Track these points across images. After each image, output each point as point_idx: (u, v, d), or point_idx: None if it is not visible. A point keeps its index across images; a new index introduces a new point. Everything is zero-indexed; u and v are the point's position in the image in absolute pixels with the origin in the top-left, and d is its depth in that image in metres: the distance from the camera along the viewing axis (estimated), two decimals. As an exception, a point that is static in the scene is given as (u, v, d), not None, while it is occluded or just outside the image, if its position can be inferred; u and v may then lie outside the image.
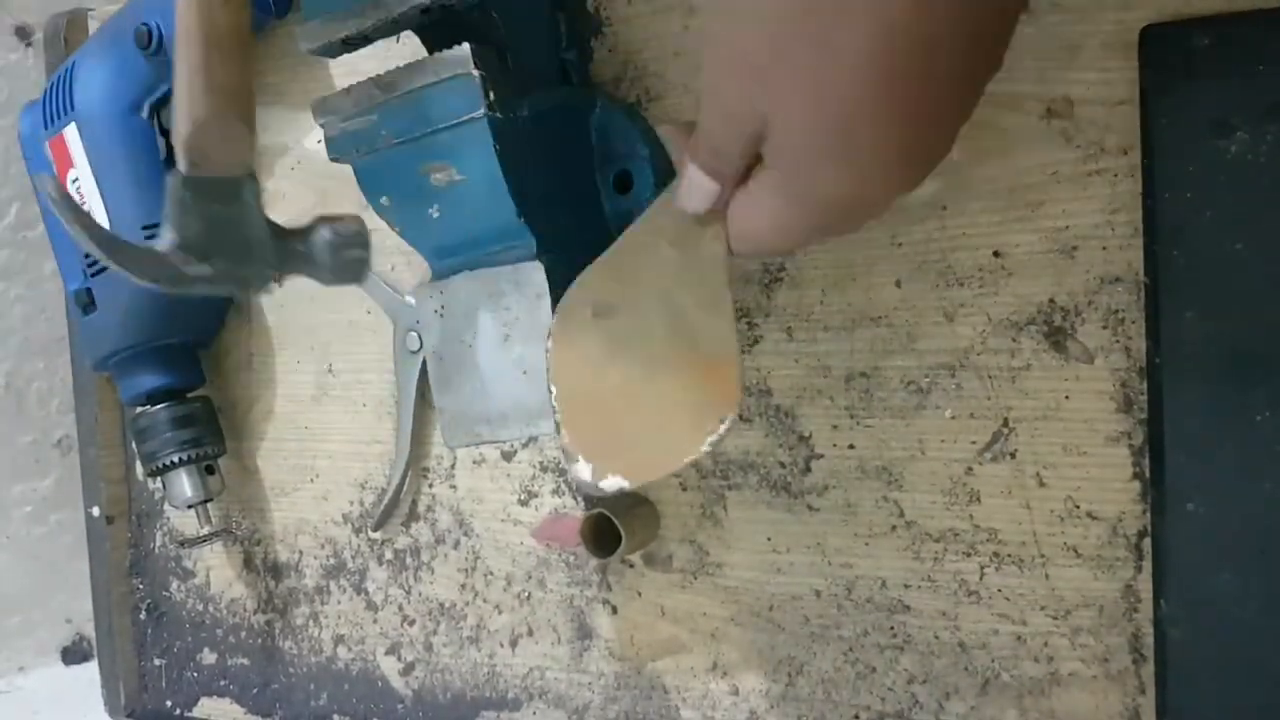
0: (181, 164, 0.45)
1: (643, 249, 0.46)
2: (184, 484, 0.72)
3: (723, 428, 0.43)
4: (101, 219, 0.69)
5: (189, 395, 0.73)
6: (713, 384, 0.44)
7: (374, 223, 0.54)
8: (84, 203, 0.69)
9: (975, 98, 0.36)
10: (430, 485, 0.68)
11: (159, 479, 0.74)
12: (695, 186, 0.41)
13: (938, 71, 0.33)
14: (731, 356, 0.44)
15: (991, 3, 0.33)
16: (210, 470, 0.73)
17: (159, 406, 0.72)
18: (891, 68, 0.32)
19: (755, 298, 0.56)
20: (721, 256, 0.44)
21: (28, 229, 0.89)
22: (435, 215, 0.51)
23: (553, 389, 0.47)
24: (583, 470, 0.45)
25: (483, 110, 0.46)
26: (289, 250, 0.49)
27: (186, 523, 0.79)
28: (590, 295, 0.47)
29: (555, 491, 0.63)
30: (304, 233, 0.49)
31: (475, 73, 0.46)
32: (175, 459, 0.71)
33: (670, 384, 0.45)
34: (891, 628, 0.54)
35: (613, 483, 0.45)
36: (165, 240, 0.45)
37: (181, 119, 0.44)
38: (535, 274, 0.49)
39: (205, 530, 0.74)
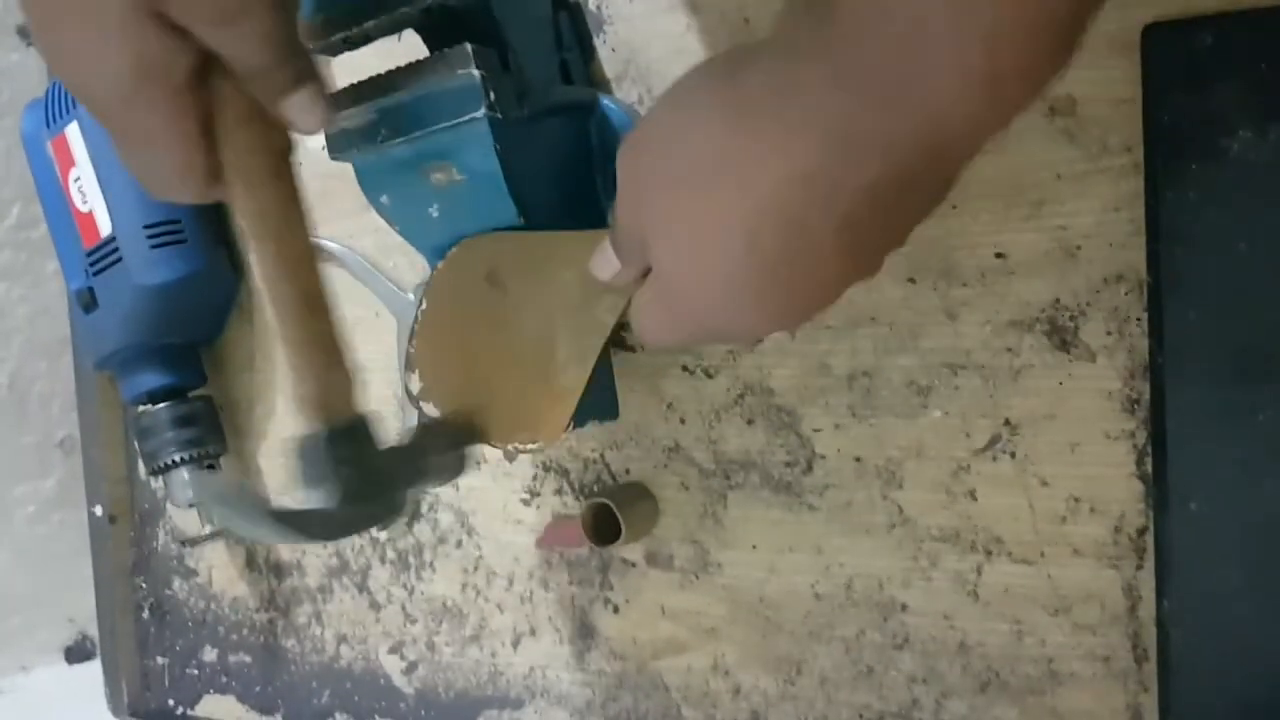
0: (318, 423, 0.44)
1: (558, 263, 0.48)
2: (184, 483, 0.72)
3: (530, 446, 0.49)
4: (104, 218, 0.69)
5: (191, 395, 0.73)
6: (546, 408, 0.49)
7: (376, 222, 0.54)
8: (86, 201, 0.69)
9: (868, 267, 0.37)
10: (406, 392, 0.68)
11: (161, 478, 0.74)
12: (603, 257, 0.43)
13: (809, 248, 0.34)
14: (571, 403, 0.48)
15: (881, 204, 0.33)
16: (212, 469, 0.73)
17: (160, 406, 0.72)
18: (759, 237, 0.33)
19: (756, 297, 0.56)
20: (608, 325, 0.47)
21: (30, 229, 0.89)
22: (435, 214, 0.51)
23: (424, 303, 0.50)
24: (413, 382, 0.50)
25: (483, 110, 0.46)
26: (415, 471, 0.48)
27: (188, 522, 0.79)
28: (495, 259, 0.49)
29: (557, 491, 0.63)
30: (422, 451, 0.49)
31: (476, 73, 0.46)
32: (177, 458, 0.71)
33: (513, 380, 0.49)
34: (891, 627, 0.54)
35: (428, 408, 0.50)
36: (327, 498, 0.44)
37: (307, 383, 0.44)
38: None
39: (206, 529, 0.74)
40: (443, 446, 0.49)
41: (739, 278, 0.35)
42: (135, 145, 0.40)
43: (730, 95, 0.33)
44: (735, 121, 0.33)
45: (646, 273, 0.41)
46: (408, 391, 0.51)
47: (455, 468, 0.50)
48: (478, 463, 0.66)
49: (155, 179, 0.41)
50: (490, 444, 0.50)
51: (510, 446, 0.50)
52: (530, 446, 0.50)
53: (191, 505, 0.73)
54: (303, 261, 0.44)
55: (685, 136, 0.35)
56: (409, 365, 0.50)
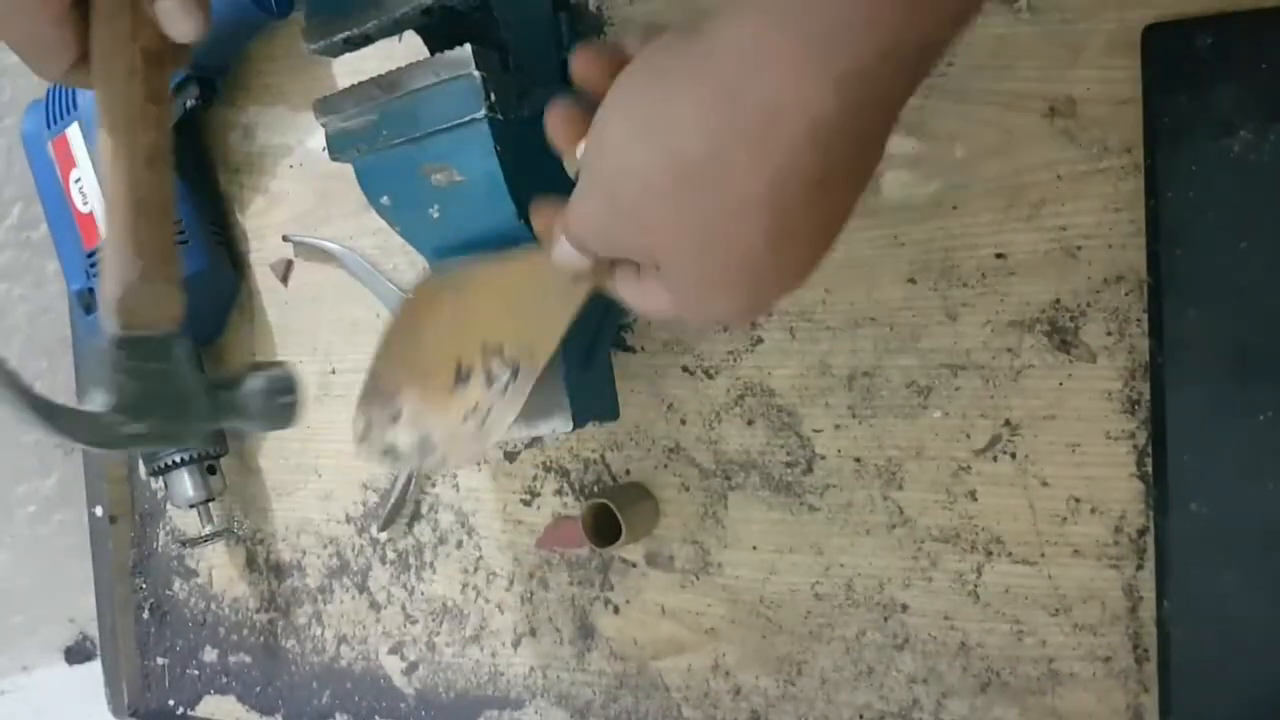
0: (112, 326, 0.44)
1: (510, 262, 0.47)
2: (185, 484, 0.72)
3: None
4: (103, 218, 0.69)
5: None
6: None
7: (377, 222, 0.54)
8: (86, 202, 0.70)
9: (847, 216, 0.36)
10: (433, 485, 0.68)
11: (161, 478, 0.74)
12: (563, 252, 0.42)
13: (829, 201, 0.34)
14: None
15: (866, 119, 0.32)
16: (211, 470, 0.73)
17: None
18: (781, 207, 0.33)
19: (757, 297, 0.56)
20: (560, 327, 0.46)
21: (31, 229, 0.89)
22: (435, 215, 0.51)
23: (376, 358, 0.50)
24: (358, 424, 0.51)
25: (483, 111, 0.46)
26: (222, 401, 0.49)
27: (189, 522, 0.79)
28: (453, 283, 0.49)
29: (557, 492, 0.63)
30: (236, 383, 0.49)
31: (476, 74, 0.46)
32: (177, 459, 0.71)
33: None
34: (892, 627, 0.54)
35: (366, 450, 0.51)
36: (99, 401, 0.44)
37: (110, 282, 0.44)
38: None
39: (207, 530, 0.74)
40: (273, 391, 0.49)
41: (761, 262, 0.35)
42: (14, 15, 0.42)
43: (703, 81, 0.33)
44: (721, 107, 0.32)
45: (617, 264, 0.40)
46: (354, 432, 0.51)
47: (277, 415, 0.50)
48: (478, 463, 0.66)
49: (25, 45, 0.43)
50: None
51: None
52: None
53: (191, 506, 0.73)
54: (144, 163, 0.44)
55: (666, 148, 0.34)
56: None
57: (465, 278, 0.48)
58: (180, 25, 0.42)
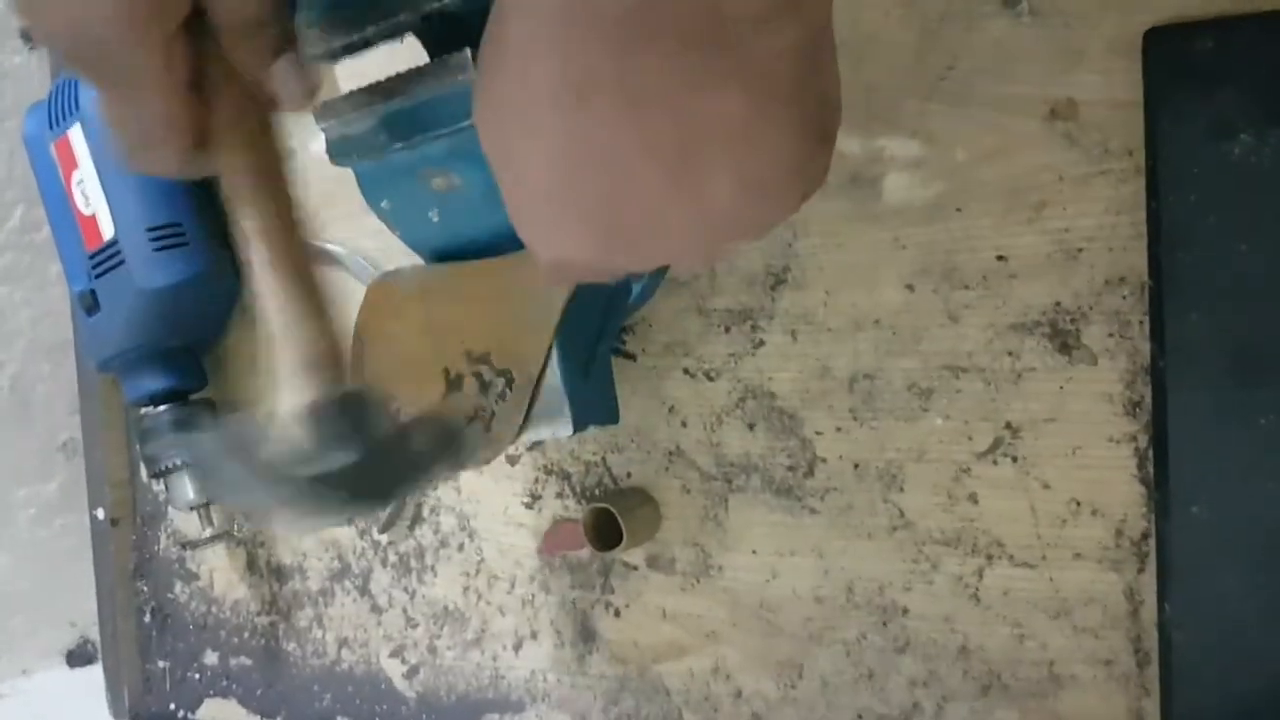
0: (327, 390, 0.40)
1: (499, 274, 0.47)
2: (186, 486, 0.72)
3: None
4: (106, 221, 0.69)
5: (192, 398, 0.73)
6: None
7: (378, 225, 0.54)
8: (89, 204, 0.70)
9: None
10: (434, 488, 0.68)
11: (162, 481, 0.74)
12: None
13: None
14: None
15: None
16: (211, 472, 0.73)
17: (162, 409, 0.72)
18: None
19: (759, 300, 0.56)
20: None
21: (33, 232, 0.89)
22: (435, 219, 0.51)
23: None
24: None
25: (483, 114, 0.46)
26: (408, 456, 0.45)
27: (190, 525, 0.79)
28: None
29: (559, 495, 0.63)
30: (406, 438, 0.45)
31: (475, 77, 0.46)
32: (178, 461, 0.71)
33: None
34: (893, 630, 0.54)
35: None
36: (334, 462, 0.40)
37: (319, 363, 0.40)
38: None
39: (207, 532, 0.74)
40: (429, 439, 0.45)
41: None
42: (121, 94, 0.38)
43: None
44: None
45: None
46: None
47: (445, 462, 0.46)
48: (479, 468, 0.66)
49: (138, 136, 0.39)
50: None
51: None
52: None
53: (191, 508, 0.73)
54: (293, 226, 0.42)
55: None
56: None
57: (427, 283, 0.46)
58: (294, 92, 0.40)
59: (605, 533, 0.57)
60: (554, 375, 0.52)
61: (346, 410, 0.40)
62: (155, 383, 0.72)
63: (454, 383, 0.46)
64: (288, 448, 0.39)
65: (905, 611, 0.54)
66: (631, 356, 0.59)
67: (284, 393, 0.40)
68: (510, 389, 0.45)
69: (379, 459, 0.41)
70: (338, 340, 0.41)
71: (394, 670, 0.72)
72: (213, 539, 0.74)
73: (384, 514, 0.69)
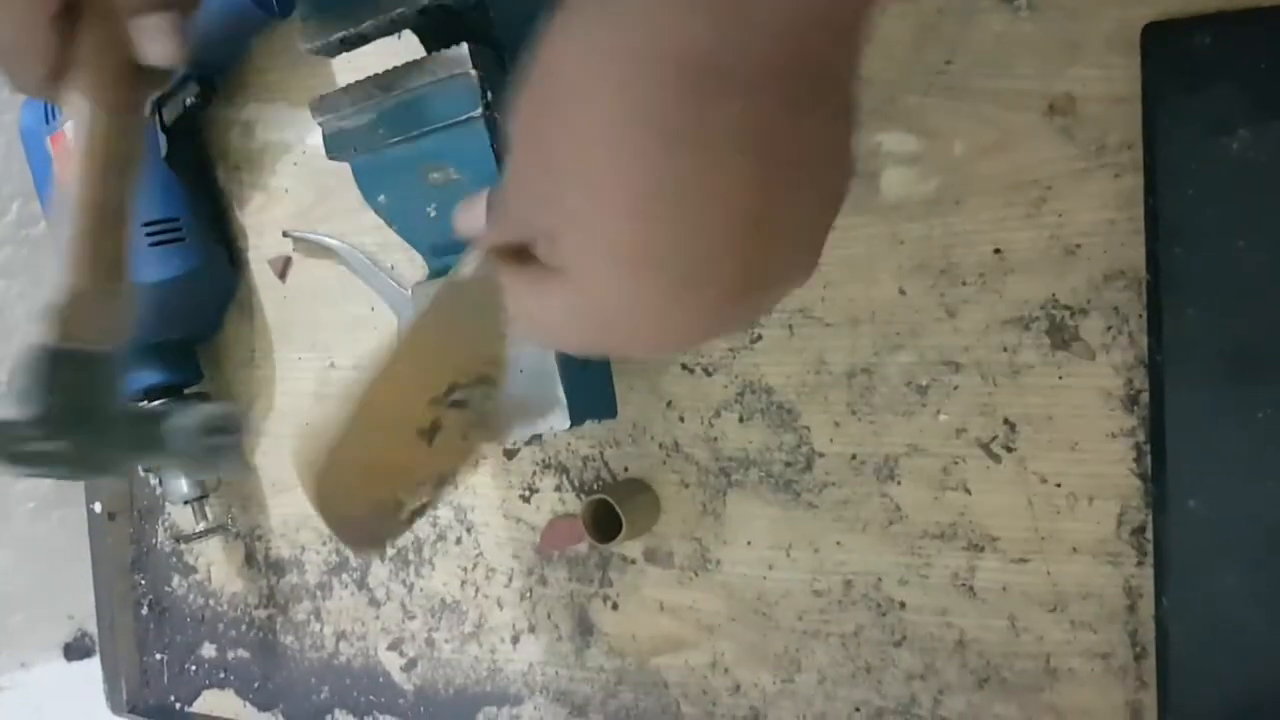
0: (48, 334, 0.41)
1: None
2: (180, 480, 0.73)
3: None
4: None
5: (186, 392, 0.73)
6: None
7: (375, 220, 0.54)
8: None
9: (800, 215, 0.30)
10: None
11: (156, 475, 0.74)
12: (471, 211, 0.40)
13: (717, 168, 0.27)
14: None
15: (777, 84, 0.26)
16: (206, 469, 0.73)
17: (156, 403, 0.72)
18: (649, 164, 0.27)
19: (755, 295, 0.55)
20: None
21: (30, 226, 0.89)
22: (432, 214, 0.51)
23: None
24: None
25: (480, 110, 0.46)
26: (145, 434, 0.45)
27: (187, 519, 0.79)
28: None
29: (556, 488, 0.63)
30: (163, 415, 0.46)
31: (473, 73, 0.46)
32: (172, 457, 0.71)
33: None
34: (889, 624, 0.54)
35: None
36: (16, 412, 0.41)
37: (58, 287, 0.41)
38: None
39: (201, 526, 0.74)
40: (204, 429, 0.46)
41: (639, 210, 0.27)
42: (4, 15, 0.41)
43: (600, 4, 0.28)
44: (605, 20, 0.27)
45: (519, 257, 0.33)
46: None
47: (206, 457, 0.46)
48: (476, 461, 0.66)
49: (10, 56, 0.42)
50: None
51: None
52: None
53: (186, 502, 0.73)
54: (115, 172, 0.43)
55: (560, 58, 0.29)
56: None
57: (387, 364, 0.45)
58: (154, 49, 0.42)
59: (604, 526, 0.57)
60: (551, 367, 0.52)
61: (53, 364, 0.41)
62: (150, 377, 0.72)
63: (432, 432, 0.44)
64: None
65: (902, 605, 0.54)
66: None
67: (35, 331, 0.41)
68: (494, 388, 0.44)
69: (72, 423, 0.41)
70: (104, 307, 0.42)
71: (392, 663, 0.72)
72: (206, 532, 0.74)
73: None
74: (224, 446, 0.46)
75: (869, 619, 0.55)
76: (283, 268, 0.72)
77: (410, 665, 0.71)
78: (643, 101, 0.26)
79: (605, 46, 0.27)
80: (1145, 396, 0.47)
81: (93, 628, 0.88)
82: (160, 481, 0.74)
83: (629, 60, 0.27)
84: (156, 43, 0.42)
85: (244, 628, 0.79)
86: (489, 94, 0.47)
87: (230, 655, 0.80)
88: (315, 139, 0.70)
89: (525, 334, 0.35)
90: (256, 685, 0.79)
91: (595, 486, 0.62)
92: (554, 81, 0.29)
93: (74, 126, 0.43)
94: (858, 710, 0.56)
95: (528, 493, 0.64)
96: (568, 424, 0.52)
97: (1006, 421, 0.50)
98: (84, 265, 0.42)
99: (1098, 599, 0.49)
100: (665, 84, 0.26)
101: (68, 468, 0.44)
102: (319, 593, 0.75)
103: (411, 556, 0.70)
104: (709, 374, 0.57)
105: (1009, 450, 0.50)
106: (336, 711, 0.75)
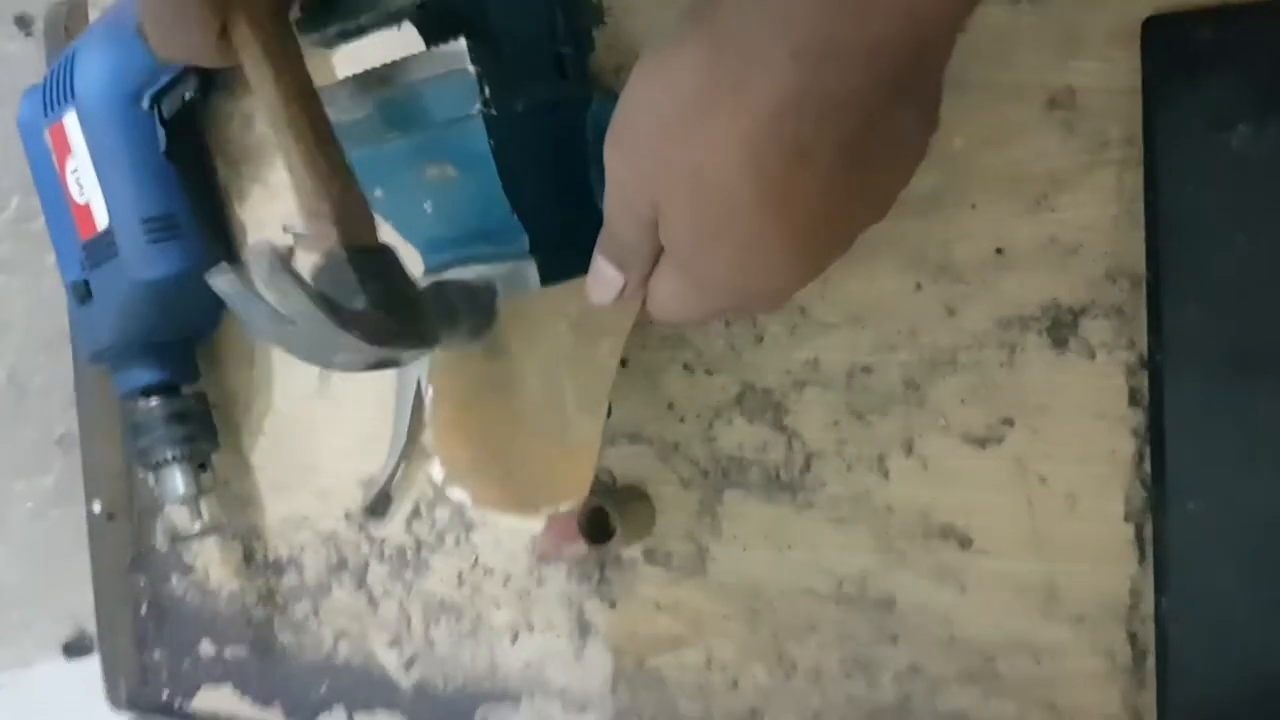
0: (333, 240, 0.43)
1: (547, 317, 0.47)
2: (176, 480, 0.72)
3: (562, 507, 0.49)
4: (101, 210, 0.68)
5: (183, 391, 0.73)
6: (567, 467, 0.48)
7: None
8: (83, 192, 0.69)
9: (877, 206, 0.37)
10: (431, 481, 0.68)
11: (152, 475, 0.74)
12: (598, 276, 0.42)
13: (813, 175, 0.33)
14: (591, 455, 0.48)
15: (877, 122, 0.33)
16: (203, 466, 0.73)
17: (153, 403, 0.72)
18: (761, 166, 0.32)
19: (754, 292, 0.55)
20: (611, 369, 0.47)
21: (29, 221, 0.89)
22: (429, 210, 0.50)
23: (429, 389, 0.50)
24: (436, 471, 0.49)
25: (478, 107, 0.46)
26: (444, 308, 0.47)
27: (183, 518, 0.79)
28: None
29: (554, 486, 0.63)
30: (445, 289, 0.48)
31: (471, 69, 0.46)
32: (169, 455, 0.71)
33: (529, 446, 0.49)
34: (886, 622, 0.54)
35: (456, 494, 0.49)
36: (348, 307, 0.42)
37: (315, 198, 0.43)
38: (528, 271, 0.48)
39: (196, 526, 0.74)
40: (464, 302, 0.48)
41: (749, 219, 0.34)
42: None
43: (706, 30, 0.32)
44: (713, 52, 0.32)
45: (649, 275, 0.41)
46: (432, 482, 0.50)
47: (479, 328, 0.48)
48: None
49: (169, 21, 0.43)
50: (516, 514, 0.50)
51: (541, 516, 0.49)
52: (563, 508, 0.49)
53: (181, 503, 0.73)
54: (311, 94, 0.45)
55: (668, 83, 0.34)
56: (428, 453, 0.50)
57: (486, 373, 0.48)
58: None
59: (599, 531, 0.57)
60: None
61: (359, 261, 0.43)
62: (148, 375, 0.72)
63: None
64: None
65: (899, 603, 0.53)
66: (623, 362, 0.58)
67: (299, 247, 0.43)
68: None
69: (398, 306, 0.43)
70: (362, 203, 0.44)
71: (390, 661, 0.72)
72: (202, 533, 0.74)
73: (369, 494, 0.68)
74: (492, 312, 0.49)
75: (866, 617, 0.54)
76: (282, 264, 0.72)
77: (409, 663, 0.71)
78: (751, 122, 0.32)
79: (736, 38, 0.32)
80: (1145, 395, 0.47)
81: (92, 627, 0.88)
82: (156, 481, 0.74)
83: (757, 47, 0.31)
84: None
85: (243, 626, 0.79)
86: (487, 90, 0.46)
87: (229, 653, 0.80)
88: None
89: (660, 318, 0.42)
90: (255, 683, 0.79)
91: (593, 488, 0.62)
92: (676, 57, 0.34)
93: (257, 57, 0.44)
94: (855, 708, 0.55)
95: (526, 491, 0.64)
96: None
97: (1005, 420, 0.50)
98: (331, 173, 0.44)
99: (1097, 599, 0.49)
100: (802, 65, 0.30)
101: (406, 348, 0.45)
102: (317, 592, 0.75)
103: (410, 557, 0.70)
104: (709, 374, 0.57)
105: (1008, 449, 0.50)
106: (335, 707, 0.75)
